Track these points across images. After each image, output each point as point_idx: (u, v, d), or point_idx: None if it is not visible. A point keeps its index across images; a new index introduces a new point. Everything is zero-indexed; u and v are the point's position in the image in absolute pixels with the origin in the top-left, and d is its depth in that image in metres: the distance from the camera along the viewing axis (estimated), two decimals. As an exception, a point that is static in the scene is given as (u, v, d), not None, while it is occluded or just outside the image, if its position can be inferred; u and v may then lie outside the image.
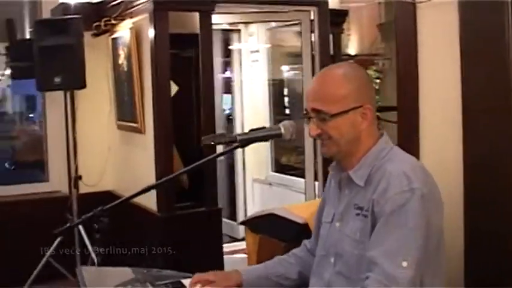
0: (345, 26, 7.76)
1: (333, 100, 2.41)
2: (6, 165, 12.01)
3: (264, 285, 2.73)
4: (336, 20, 7.06)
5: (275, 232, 4.19)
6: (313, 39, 6.18)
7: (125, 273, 2.73)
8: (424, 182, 2.32)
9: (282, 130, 2.53)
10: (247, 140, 2.52)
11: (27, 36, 7.26)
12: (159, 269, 2.85)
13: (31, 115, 13.63)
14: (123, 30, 6.20)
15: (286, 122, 2.55)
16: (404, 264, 2.19)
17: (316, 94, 2.46)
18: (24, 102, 16.40)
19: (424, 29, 3.08)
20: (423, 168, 2.44)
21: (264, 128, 2.57)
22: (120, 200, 2.73)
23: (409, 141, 3.14)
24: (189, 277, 2.71)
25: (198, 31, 5.78)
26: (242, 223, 5.24)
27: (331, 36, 6.57)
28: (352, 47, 8.69)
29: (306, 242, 2.85)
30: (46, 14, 6.70)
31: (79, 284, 2.57)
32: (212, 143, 2.50)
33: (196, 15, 5.80)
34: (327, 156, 2.52)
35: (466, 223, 2.85)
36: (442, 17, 2.97)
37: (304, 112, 2.50)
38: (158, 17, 5.58)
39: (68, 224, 2.88)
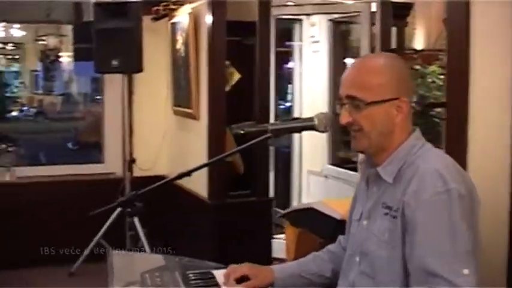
0: (409, 19, 7.60)
1: (369, 88, 2.31)
2: (70, 145, 12.29)
3: (297, 283, 2.67)
4: (400, 12, 6.91)
5: (313, 226, 4.12)
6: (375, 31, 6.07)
7: (156, 259, 2.71)
8: (460, 180, 2.21)
9: (316, 122, 2.45)
10: (278, 131, 2.45)
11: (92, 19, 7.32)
12: (207, 257, 2.82)
13: (98, 96, 13.90)
14: (182, 16, 6.20)
15: (320, 114, 2.48)
16: (466, 271, 2.09)
17: (353, 80, 2.37)
18: (91, 84, 16.76)
19: (478, 27, 2.98)
20: (456, 165, 2.32)
21: (297, 118, 2.51)
22: (155, 185, 2.69)
23: (456, 138, 3.05)
24: (222, 268, 2.67)
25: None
26: (282, 216, 5.18)
27: (394, 30, 6.44)
28: (417, 41, 8.51)
29: (341, 237, 2.77)
30: (108, -3, 6.75)
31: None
32: (242, 132, 2.44)
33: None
34: (357, 150, 2.44)
35: (511, 224, 2.75)
36: (497, 15, 2.87)
37: (339, 98, 2.41)
38: (216, 3, 5.57)
39: (103, 208, 2.84)
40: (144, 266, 2.58)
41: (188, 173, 2.57)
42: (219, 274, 2.61)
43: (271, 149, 6.61)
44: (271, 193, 6.41)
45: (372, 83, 2.32)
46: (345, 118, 2.36)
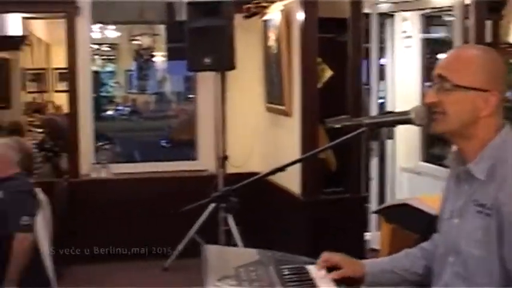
0: (505, 12, 7.39)
1: (461, 71, 2.28)
2: (163, 142, 12.48)
3: (389, 279, 2.63)
4: (495, 5, 6.74)
5: (407, 222, 4.07)
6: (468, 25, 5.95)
7: (250, 254, 2.71)
8: None
9: (413, 115, 2.40)
10: (374, 124, 2.41)
11: (184, 18, 7.41)
12: (299, 253, 2.81)
13: (190, 95, 14.06)
14: (274, 13, 6.22)
15: (417, 107, 2.42)
16: None
17: (447, 62, 2.35)
18: (184, 83, 16.98)
19: None
20: None
21: (393, 112, 2.45)
22: (249, 180, 2.69)
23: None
24: (314, 263, 2.66)
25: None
26: (376, 212, 5.14)
27: (489, 23, 6.29)
28: (513, 35, 8.28)
29: (435, 235, 2.72)
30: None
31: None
32: (336, 126, 2.42)
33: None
34: (435, 132, 2.37)
35: None
36: None
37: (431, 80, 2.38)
38: (308, 0, 5.57)
39: (197, 203, 2.87)
40: (239, 261, 2.59)
41: (282, 168, 2.56)
42: (313, 269, 2.60)
43: (376, 144, 6.63)
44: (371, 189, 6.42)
45: (464, 68, 2.28)
46: (430, 97, 2.32)
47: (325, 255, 2.61)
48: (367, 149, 7.15)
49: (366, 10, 6.37)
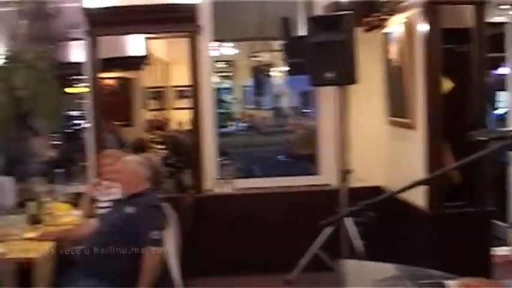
0: None
1: None
2: (280, 157, 12.51)
3: None
4: None
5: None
6: None
7: (386, 269, 2.71)
8: None
9: None
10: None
11: (302, 33, 7.45)
12: (423, 267, 2.79)
13: (306, 110, 14.08)
14: (395, 25, 6.17)
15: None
16: None
17: None
18: (300, 98, 17.05)
19: None
20: None
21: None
22: (385, 195, 2.71)
23: None
24: (451, 278, 2.62)
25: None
26: (512, 227, 5.01)
27: None
28: None
29: None
30: (319, 12, 6.84)
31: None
32: (482, 139, 2.38)
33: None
34: None
35: None
36: None
37: None
38: (430, 11, 5.51)
39: (334, 217, 2.89)
40: (376, 275, 2.60)
41: (420, 183, 2.55)
42: (450, 285, 2.57)
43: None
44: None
45: None
46: None
47: (465, 281, 2.57)
48: (503, 162, 7.01)
49: (492, 19, 6.23)
